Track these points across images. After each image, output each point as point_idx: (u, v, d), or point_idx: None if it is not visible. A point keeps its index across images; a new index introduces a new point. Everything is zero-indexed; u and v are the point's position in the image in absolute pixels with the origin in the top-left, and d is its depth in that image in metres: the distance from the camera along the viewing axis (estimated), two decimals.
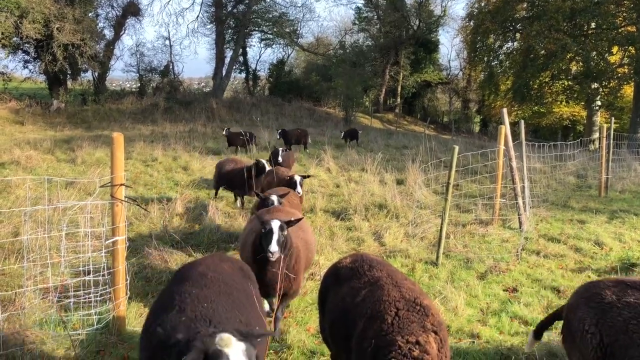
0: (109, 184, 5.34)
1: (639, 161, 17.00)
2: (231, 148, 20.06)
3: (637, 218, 10.68)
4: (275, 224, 5.17)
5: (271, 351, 5.38)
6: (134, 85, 40.90)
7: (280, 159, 13.30)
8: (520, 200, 9.86)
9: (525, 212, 10.04)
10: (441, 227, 8.16)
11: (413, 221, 9.85)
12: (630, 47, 28.11)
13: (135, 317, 5.82)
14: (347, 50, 41.75)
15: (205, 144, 20.92)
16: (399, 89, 45.96)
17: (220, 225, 9.53)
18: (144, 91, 36.80)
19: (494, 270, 7.72)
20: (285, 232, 5.30)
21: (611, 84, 29.38)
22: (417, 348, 3.42)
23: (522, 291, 7.04)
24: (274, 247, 5.04)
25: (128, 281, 5.69)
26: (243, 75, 45.47)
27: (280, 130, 21.24)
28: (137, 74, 38.73)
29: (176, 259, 7.78)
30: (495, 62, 36.39)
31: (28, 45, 30.17)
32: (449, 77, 52.51)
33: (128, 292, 5.74)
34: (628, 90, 32.14)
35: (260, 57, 58.98)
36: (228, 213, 10.67)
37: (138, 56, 38.44)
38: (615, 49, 29.76)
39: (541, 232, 9.70)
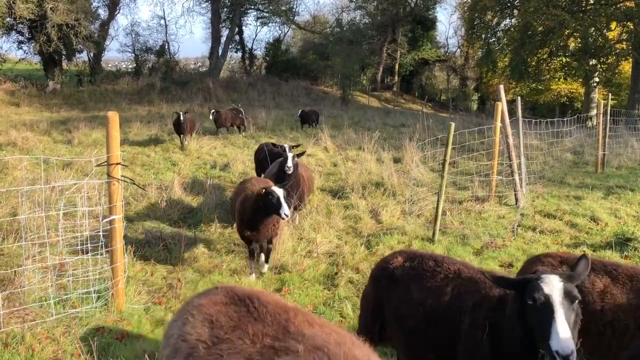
0: (105, 164, 5.35)
1: (636, 137, 17.00)
2: (226, 128, 19.77)
3: (632, 194, 10.72)
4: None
5: None
6: (130, 66, 40.63)
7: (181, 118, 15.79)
8: (516, 177, 9.88)
9: (521, 188, 10.07)
10: (437, 204, 8.19)
11: (410, 199, 9.88)
12: (628, 23, 27.89)
13: (134, 295, 5.88)
14: (344, 29, 41.33)
15: (202, 123, 20.85)
16: (397, 67, 45.68)
17: (218, 203, 9.56)
18: (140, 71, 36.55)
19: (489, 246, 7.78)
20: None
21: (609, 60, 29.24)
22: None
23: (517, 266, 7.07)
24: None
25: (126, 259, 5.74)
26: (239, 54, 45.14)
27: (213, 111, 19.15)
28: (133, 54, 38.47)
29: (174, 238, 7.82)
30: (493, 39, 36.11)
31: (22, 26, 29.91)
32: (447, 54, 52.14)
33: (127, 270, 5.79)
34: (626, 67, 31.99)
35: (256, 36, 58.71)
36: (225, 189, 10.70)
37: (133, 36, 38.19)
38: (613, 25, 29.53)
39: (537, 208, 9.75)
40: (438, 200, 8.21)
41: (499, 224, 8.83)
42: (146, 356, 4.38)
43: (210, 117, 18.76)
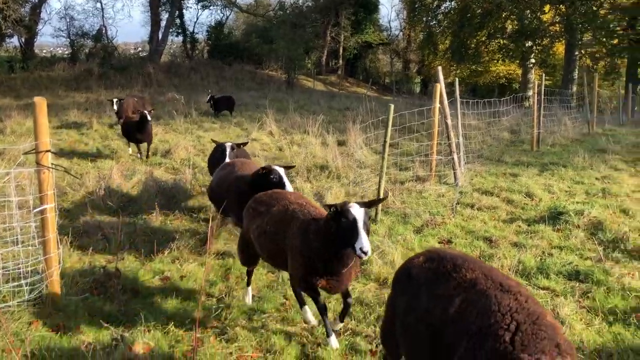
0: (34, 151, 5.14)
1: (569, 116, 17.70)
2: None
3: (565, 170, 11.19)
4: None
5: (212, 317, 5.41)
6: (66, 52, 38.99)
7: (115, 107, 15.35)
8: (455, 157, 10.13)
9: (460, 167, 10.34)
10: (379, 185, 8.30)
11: (354, 180, 9.99)
12: (560, 6, 28.89)
13: (71, 286, 5.71)
14: (287, 11, 40.95)
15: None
16: (341, 50, 45.73)
17: (159, 190, 9.37)
18: (77, 57, 35.15)
19: (430, 224, 7.96)
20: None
21: (544, 42, 30.28)
22: None
23: (456, 242, 7.31)
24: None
25: (61, 250, 5.56)
26: (180, 38, 44.07)
27: (116, 100, 16.37)
28: (68, 39, 36.93)
29: (113, 227, 7.63)
30: (434, 21, 36.71)
31: None
32: (390, 37, 52.58)
33: (62, 262, 5.61)
34: (560, 48, 33.20)
35: (197, 19, 57.51)
36: (166, 176, 10.49)
37: (68, 20, 36.63)
38: (547, 8, 30.53)
39: (475, 186, 10.03)
40: (380, 181, 8.32)
41: (438, 203, 9.04)
42: (83, 347, 4.27)
43: (114, 107, 15.91)
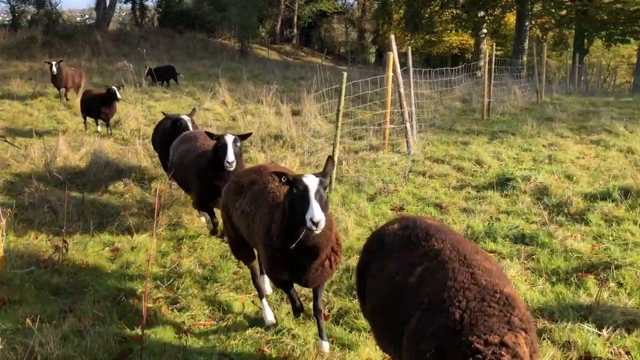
0: None
1: (519, 85, 18.08)
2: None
3: (514, 137, 11.48)
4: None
5: (163, 286, 5.36)
6: (6, 18, 37.09)
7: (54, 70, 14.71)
8: (408, 125, 10.23)
9: (413, 136, 10.46)
10: (333, 154, 8.32)
11: (308, 150, 9.98)
12: None
13: (15, 260, 5.55)
14: None
15: (91, 79, 19.64)
16: (295, 19, 45.11)
17: (108, 162, 9.13)
18: (18, 24, 33.46)
19: (382, 192, 8.05)
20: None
21: (496, 12, 30.67)
22: (504, 351, 2.46)
23: (408, 209, 7.43)
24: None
25: (3, 222, 5.37)
26: (129, 5, 42.50)
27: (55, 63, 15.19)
28: (8, 5, 35.07)
29: (60, 199, 7.41)
30: None
31: None
32: (344, 6, 52.20)
33: (4, 234, 5.43)
34: (511, 19, 33.71)
35: None
36: (116, 147, 10.24)
37: None
38: None
39: (427, 154, 10.18)
40: (333, 150, 8.34)
41: (391, 171, 9.15)
42: (28, 320, 4.18)
43: (53, 69, 14.95)
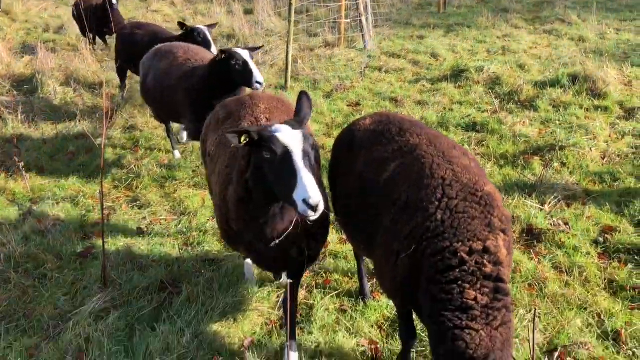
0: None
1: None
2: None
3: (469, 30, 11.43)
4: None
5: (122, 187, 5.39)
6: None
7: None
8: (364, 19, 10.05)
9: (369, 31, 10.30)
10: (287, 51, 8.19)
11: (262, 49, 9.75)
12: None
13: None
14: None
15: None
16: None
17: (54, 67, 8.77)
18: None
19: (339, 89, 8.05)
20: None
21: None
22: (487, 259, 2.40)
23: (364, 104, 7.48)
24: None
25: None
26: None
27: None
28: None
29: (9, 107, 7.18)
30: None
31: None
32: None
33: None
34: None
35: None
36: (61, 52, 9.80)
37: None
38: None
39: (384, 49, 10.10)
40: (287, 47, 8.19)
41: (348, 67, 9.09)
42: None
43: None
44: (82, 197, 5.08)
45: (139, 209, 4.93)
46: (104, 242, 3.85)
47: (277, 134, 2.46)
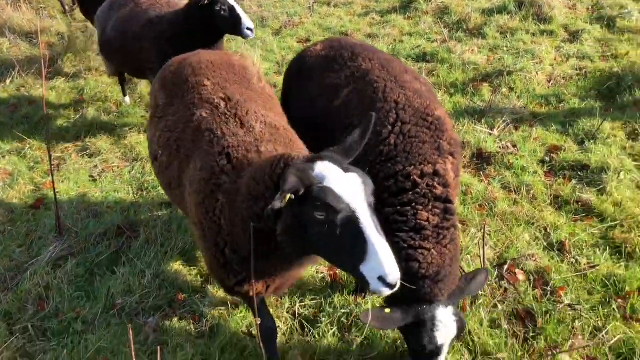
0: None
1: None
2: None
3: None
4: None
5: (70, 136, 5.24)
6: None
7: None
8: None
9: None
10: None
11: None
12: None
13: None
14: None
15: None
16: None
17: (23, 26, 8.25)
18: None
19: (288, 25, 7.90)
20: None
21: None
22: (437, 182, 2.44)
23: (314, 40, 7.37)
24: None
25: None
26: None
27: None
28: None
29: None
30: None
31: None
32: None
33: None
34: None
35: None
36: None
37: None
38: None
39: None
40: None
41: (296, 3, 8.88)
42: None
43: None
44: (29, 149, 4.93)
45: (90, 157, 4.82)
46: (55, 191, 3.78)
47: (331, 186, 1.78)
